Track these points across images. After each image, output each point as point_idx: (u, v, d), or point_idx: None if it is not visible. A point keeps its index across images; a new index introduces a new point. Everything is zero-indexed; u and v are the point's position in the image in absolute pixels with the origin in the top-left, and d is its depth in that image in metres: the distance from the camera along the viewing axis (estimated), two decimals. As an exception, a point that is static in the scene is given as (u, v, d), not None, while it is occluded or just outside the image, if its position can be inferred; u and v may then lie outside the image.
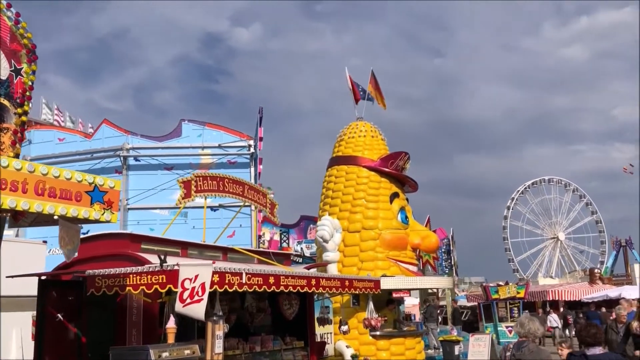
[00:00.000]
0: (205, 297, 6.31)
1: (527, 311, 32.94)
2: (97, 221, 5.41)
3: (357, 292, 10.11)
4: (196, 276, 6.32)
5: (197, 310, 6.26)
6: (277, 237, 32.66)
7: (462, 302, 41.36)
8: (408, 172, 17.11)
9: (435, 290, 38.93)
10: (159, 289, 6.66)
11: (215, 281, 6.95)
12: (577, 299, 34.87)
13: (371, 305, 10.87)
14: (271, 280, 7.94)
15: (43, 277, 8.30)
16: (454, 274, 30.36)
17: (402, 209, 16.17)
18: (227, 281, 7.14)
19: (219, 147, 21.61)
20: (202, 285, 6.30)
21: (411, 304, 31.69)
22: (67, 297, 8.45)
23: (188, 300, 6.31)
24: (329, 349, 15.39)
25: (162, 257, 6.64)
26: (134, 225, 21.16)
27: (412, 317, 28.46)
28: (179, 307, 6.41)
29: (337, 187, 16.55)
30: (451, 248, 29.43)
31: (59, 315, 8.18)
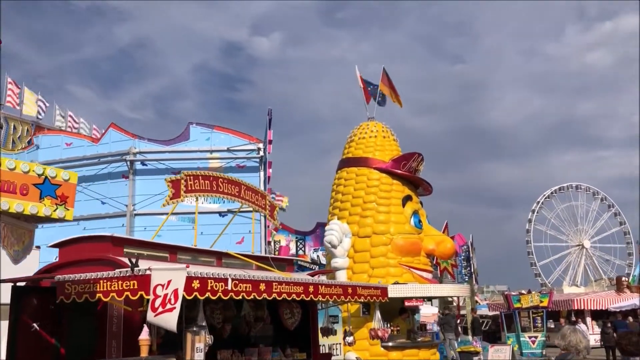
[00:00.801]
0: (178, 305, 5.59)
1: (551, 321, 31.73)
2: (48, 218, 4.75)
3: (361, 300, 9.33)
4: (169, 282, 5.62)
5: (169, 320, 5.54)
6: (293, 245, 31.98)
7: (484, 311, 40.14)
8: (422, 175, 16.31)
9: (454, 298, 37.84)
10: (130, 296, 5.98)
11: (196, 288, 6.25)
12: (603, 308, 33.46)
13: (378, 314, 10.08)
14: (262, 287, 7.21)
15: (18, 284, 7.66)
16: (474, 282, 29.27)
17: (415, 213, 15.35)
18: (209, 288, 6.43)
19: (228, 150, 20.99)
20: (175, 292, 5.59)
21: (430, 312, 30.67)
22: (47, 305, 7.81)
23: (160, 309, 5.61)
24: (338, 361, 14.59)
25: (133, 260, 5.94)
26: (140, 231, 20.58)
27: (432, 326, 27.48)
28: (150, 316, 5.71)
29: (347, 190, 15.80)
30: (471, 255, 28.37)
31: (34, 325, 7.55)
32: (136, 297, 5.92)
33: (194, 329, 6.41)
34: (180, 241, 10.22)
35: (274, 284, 7.41)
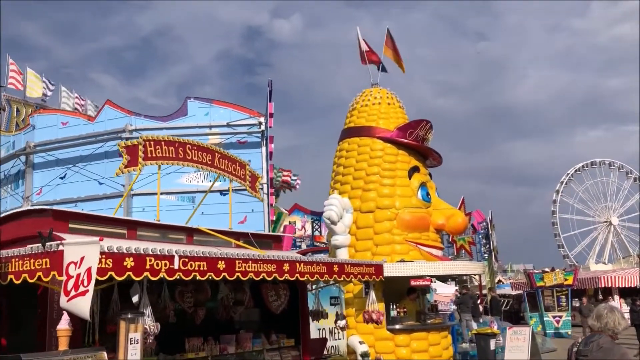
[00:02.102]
0: (91, 287, 4.52)
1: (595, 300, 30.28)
2: None
3: (350, 279, 8.19)
4: (82, 259, 4.54)
5: (81, 305, 4.48)
6: (308, 226, 30.95)
7: (506, 290, 38.76)
8: (431, 144, 15.01)
9: (475, 277, 36.48)
10: (43, 277, 4.92)
11: (130, 267, 5.16)
12: (632, 286, 31.87)
13: (373, 295, 8.92)
14: (221, 265, 6.11)
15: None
16: (493, 260, 27.93)
17: (422, 185, 14.08)
18: (148, 266, 5.34)
19: (227, 125, 19.89)
20: (88, 271, 4.51)
21: (448, 292, 29.48)
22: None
23: (73, 293, 4.54)
24: (341, 346, 13.55)
25: (46, 233, 4.86)
26: (139, 212, 19.70)
27: (449, 307, 26.29)
28: (63, 301, 4.66)
29: (349, 163, 14.58)
30: (490, 232, 27.00)
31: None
32: (48, 279, 4.86)
33: (129, 316, 5.33)
34: (180, 222, 9.22)
35: (237, 262, 6.30)
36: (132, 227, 7.54)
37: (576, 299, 30.20)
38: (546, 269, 27.86)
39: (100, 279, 4.93)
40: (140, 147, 7.76)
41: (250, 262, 6.46)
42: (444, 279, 31.93)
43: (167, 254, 5.53)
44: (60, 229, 6.70)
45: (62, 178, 21.18)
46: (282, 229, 21.79)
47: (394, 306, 13.44)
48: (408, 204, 13.75)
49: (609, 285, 32.41)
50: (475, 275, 34.01)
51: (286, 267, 6.96)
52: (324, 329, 13.16)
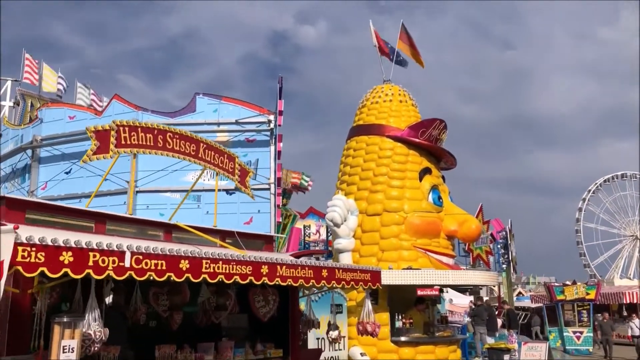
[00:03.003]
0: (2, 283, 3.80)
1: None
2: None
3: (342, 286, 7.38)
4: (-4, 251, 3.83)
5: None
6: (323, 230, 30.14)
7: (526, 302, 37.44)
8: (446, 145, 14.14)
9: (495, 289, 35.25)
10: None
11: (67, 262, 4.45)
12: (659, 303, 30.36)
13: (368, 304, 8.10)
14: (184, 264, 5.36)
15: None
16: (512, 271, 26.78)
17: (434, 188, 13.22)
18: (91, 263, 4.61)
19: (236, 123, 19.21)
20: (0, 264, 3.80)
21: (464, 303, 28.40)
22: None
23: (-15, 290, 3.83)
24: (341, 357, 12.70)
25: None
26: (142, 209, 19.11)
27: (463, 318, 25.23)
28: (-25, 300, 3.95)
29: (356, 162, 13.78)
30: (509, 241, 25.89)
31: None
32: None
33: (64, 320, 4.61)
34: (183, 220, 8.57)
35: (204, 262, 5.54)
36: (101, 221, 6.83)
37: (599, 315, 28.90)
38: (567, 282, 26.63)
39: (28, 275, 4.22)
40: (113, 132, 7.06)
41: (220, 262, 5.70)
42: (461, 289, 30.89)
43: (116, 249, 4.80)
44: (15, 219, 6.01)
45: (67, 173, 20.71)
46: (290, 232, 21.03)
47: (400, 316, 12.58)
48: (418, 207, 12.90)
49: (635, 301, 30.95)
50: (493, 286, 32.86)
51: (264, 269, 6.18)
52: (322, 338, 12.33)
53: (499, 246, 26.49)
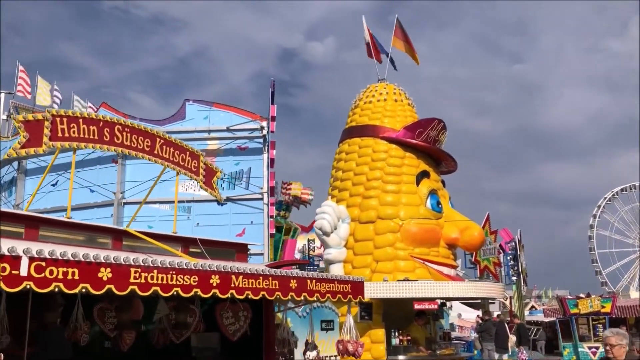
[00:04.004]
0: None
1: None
2: None
3: (314, 299, 6.36)
4: None
5: None
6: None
7: (539, 317, 36.04)
8: (445, 148, 13.14)
9: (507, 303, 33.91)
10: None
11: None
12: (678, 316, 28.89)
13: (350, 320, 7.06)
14: (104, 274, 4.38)
15: None
16: (522, 284, 25.54)
17: (433, 193, 12.19)
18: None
19: (227, 130, 18.33)
20: None
21: (472, 317, 27.12)
22: None
23: None
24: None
25: None
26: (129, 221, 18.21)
27: (470, 333, 23.98)
28: None
29: (348, 166, 12.80)
30: (518, 252, 24.69)
31: None
32: None
33: None
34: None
35: (132, 270, 4.55)
36: (33, 226, 5.88)
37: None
38: (581, 295, 25.32)
39: None
40: (47, 123, 6.13)
41: (155, 271, 4.71)
42: (470, 302, 29.62)
43: (7, 253, 3.83)
44: None
45: (53, 185, 19.90)
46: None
47: (396, 333, 11.48)
48: (415, 213, 11.87)
49: (653, 315, 29.51)
50: (504, 300, 31.54)
51: (215, 280, 5.19)
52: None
53: (508, 257, 25.28)
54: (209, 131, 18.64)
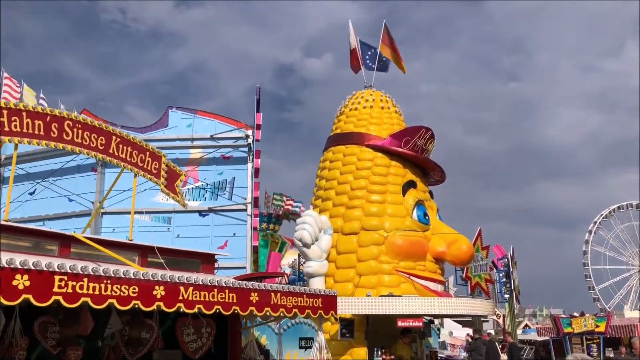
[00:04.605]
0: None
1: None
2: None
3: (281, 314, 5.74)
4: None
5: None
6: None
7: (532, 335, 35.34)
8: (438, 160, 12.59)
9: (500, 321, 33.20)
10: None
11: None
12: (674, 336, 28.22)
13: (321, 339, 6.42)
14: (20, 282, 3.76)
15: None
16: (514, 301, 24.86)
17: (419, 204, 11.61)
18: None
19: (211, 138, 17.74)
20: None
21: (464, 335, 26.43)
22: None
23: None
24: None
25: None
26: (108, 232, 17.51)
27: (460, 352, 23.30)
28: None
29: (332, 175, 12.22)
30: (511, 269, 24.06)
31: None
32: None
33: None
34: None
35: (55, 278, 3.94)
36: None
37: (609, 349, 26.80)
38: (575, 314, 24.67)
39: None
40: (-12, 117, 5.52)
41: (85, 280, 4.10)
42: (461, 319, 28.93)
43: None
44: None
45: (31, 194, 19.23)
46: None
47: (380, 352, 10.82)
48: (400, 225, 11.28)
49: (647, 334, 28.85)
50: (497, 318, 30.83)
51: (159, 291, 4.57)
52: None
53: (500, 274, 24.63)
54: (192, 139, 18.05)
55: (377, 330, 11.12)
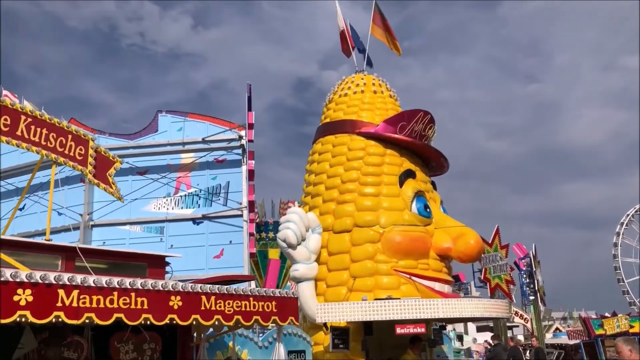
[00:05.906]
0: None
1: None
2: None
3: (235, 323, 4.56)
4: None
5: None
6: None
7: (563, 339, 33.57)
8: (435, 144, 11.35)
9: (528, 326, 31.51)
10: None
11: None
12: None
13: (281, 350, 5.23)
14: None
15: None
16: (539, 303, 23.26)
17: (419, 195, 10.36)
18: None
19: (203, 141, 16.72)
20: None
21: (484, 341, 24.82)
22: None
23: None
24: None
25: None
26: (99, 246, 16.53)
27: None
28: None
29: (321, 168, 11.05)
30: (534, 269, 22.53)
31: None
32: None
33: None
34: None
35: None
36: None
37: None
38: (607, 314, 22.98)
39: None
40: None
41: None
42: (483, 324, 27.38)
43: None
44: None
45: (21, 209, 18.37)
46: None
47: (383, 363, 9.56)
48: (398, 219, 10.03)
49: (688, 334, 26.94)
50: (526, 322, 29.16)
51: (65, 297, 3.42)
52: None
53: (523, 275, 23.10)
54: (183, 144, 17.04)
55: (382, 341, 9.88)
